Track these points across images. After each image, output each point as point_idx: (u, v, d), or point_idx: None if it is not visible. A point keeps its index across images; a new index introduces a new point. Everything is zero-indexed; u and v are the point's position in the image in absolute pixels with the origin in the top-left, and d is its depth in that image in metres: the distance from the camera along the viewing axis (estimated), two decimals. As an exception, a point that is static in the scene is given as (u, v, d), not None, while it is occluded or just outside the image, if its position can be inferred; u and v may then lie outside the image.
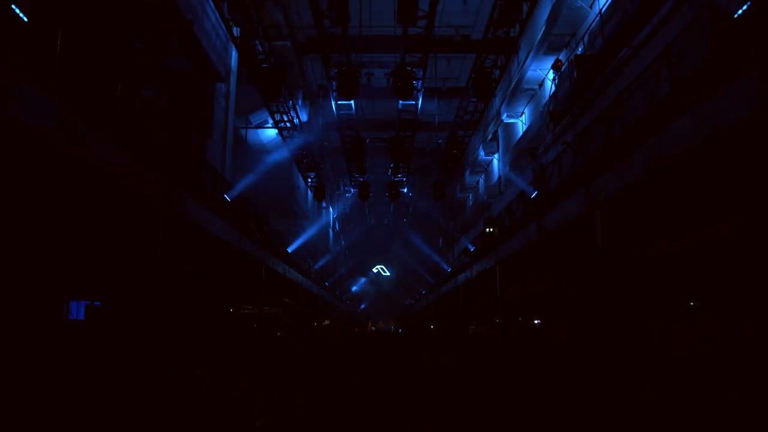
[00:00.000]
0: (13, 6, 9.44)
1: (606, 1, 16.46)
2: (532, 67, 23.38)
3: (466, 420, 8.23)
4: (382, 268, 78.07)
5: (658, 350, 10.99)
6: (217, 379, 12.40)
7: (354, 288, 72.05)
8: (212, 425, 7.56)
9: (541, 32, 21.53)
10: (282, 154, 31.35)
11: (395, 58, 27.63)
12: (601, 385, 11.28)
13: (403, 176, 37.35)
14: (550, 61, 21.86)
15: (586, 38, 17.88)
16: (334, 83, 24.88)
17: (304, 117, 31.94)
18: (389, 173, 37.07)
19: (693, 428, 7.45)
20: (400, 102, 27.21)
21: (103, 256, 11.17)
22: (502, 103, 29.41)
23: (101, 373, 10.14)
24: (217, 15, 19.86)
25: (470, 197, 43.94)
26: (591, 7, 18.65)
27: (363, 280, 76.31)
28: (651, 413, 8.21)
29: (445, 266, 48.07)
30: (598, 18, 16.89)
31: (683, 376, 9.66)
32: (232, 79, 23.85)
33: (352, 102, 27.78)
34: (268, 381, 12.57)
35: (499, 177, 31.66)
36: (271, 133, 31.25)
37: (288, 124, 27.42)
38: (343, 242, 60.06)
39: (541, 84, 24.64)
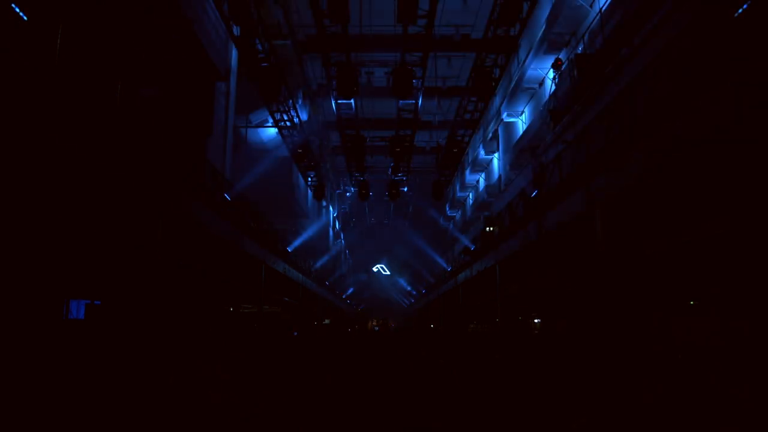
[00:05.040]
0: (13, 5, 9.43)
1: (606, 0, 16.44)
2: (532, 66, 23.37)
3: (464, 416, 8.24)
4: (382, 268, 78.09)
5: (657, 350, 10.99)
6: (216, 377, 12.39)
7: (354, 287, 72.07)
8: (211, 424, 7.56)
9: (542, 31, 21.52)
10: (282, 153, 31.36)
11: (395, 57, 27.61)
12: (600, 381, 11.28)
13: (403, 175, 37.34)
14: (550, 60, 21.84)
15: (586, 37, 17.86)
16: (334, 82, 24.85)
17: (304, 116, 31.92)
18: (389, 172, 37.06)
19: (692, 424, 7.45)
20: (400, 101, 27.18)
21: (103, 255, 11.17)
22: (502, 102, 29.39)
23: (101, 372, 10.14)
24: (217, 14, 19.82)
25: (470, 196, 43.95)
26: (591, 6, 18.63)
27: (363, 279, 76.31)
28: (651, 410, 8.21)
29: (445, 265, 48.08)
30: (598, 17, 16.87)
31: (683, 377, 9.67)
32: (232, 78, 23.84)
33: (352, 101, 27.73)
34: (268, 380, 12.56)
35: (500, 176, 31.65)
36: (271, 132, 31.25)
37: (288, 123, 27.40)
38: (343, 241, 60.02)
39: (542, 83, 24.62)
